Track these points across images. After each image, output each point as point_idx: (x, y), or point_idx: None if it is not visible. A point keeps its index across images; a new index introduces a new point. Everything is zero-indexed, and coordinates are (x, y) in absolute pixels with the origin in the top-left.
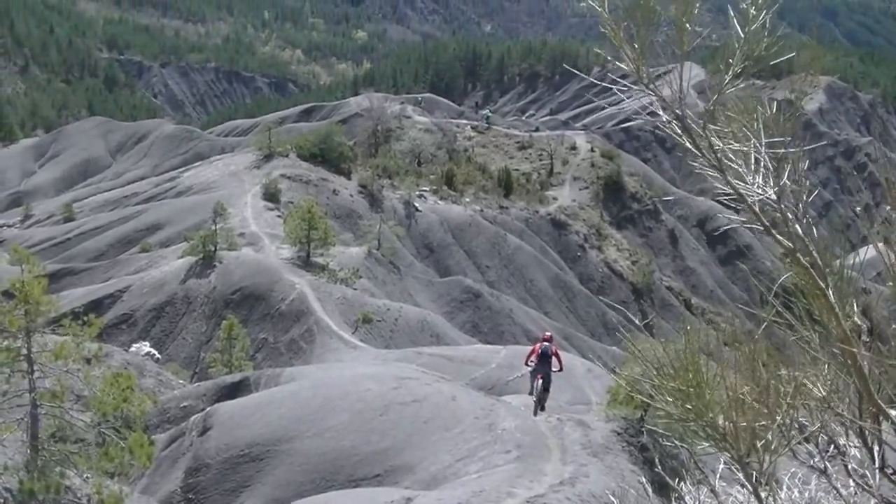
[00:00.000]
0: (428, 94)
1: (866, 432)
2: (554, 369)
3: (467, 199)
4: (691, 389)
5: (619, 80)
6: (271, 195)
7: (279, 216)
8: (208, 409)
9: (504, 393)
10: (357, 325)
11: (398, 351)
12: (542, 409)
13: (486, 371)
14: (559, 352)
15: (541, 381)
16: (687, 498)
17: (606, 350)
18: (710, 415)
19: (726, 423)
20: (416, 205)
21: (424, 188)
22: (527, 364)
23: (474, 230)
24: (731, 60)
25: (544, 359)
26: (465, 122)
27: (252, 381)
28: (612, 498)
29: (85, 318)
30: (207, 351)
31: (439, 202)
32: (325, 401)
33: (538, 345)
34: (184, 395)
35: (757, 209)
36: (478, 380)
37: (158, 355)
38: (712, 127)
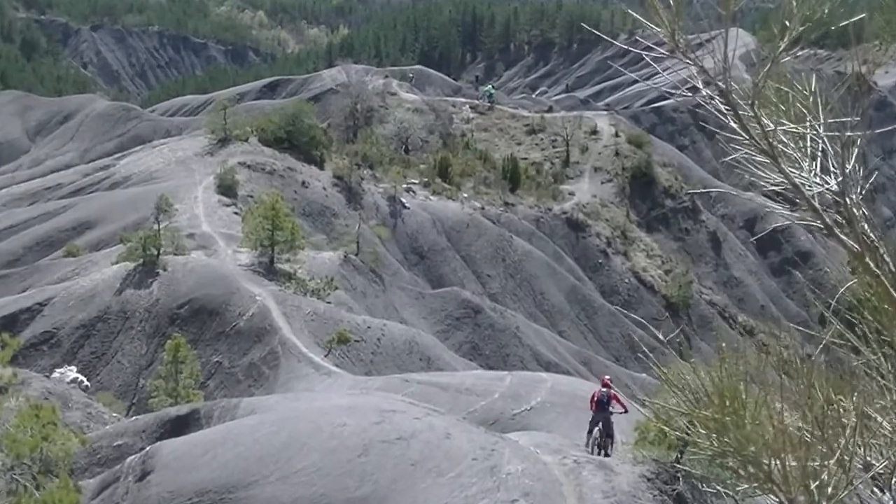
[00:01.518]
0: (418, 67)
1: None
2: (618, 411)
3: (465, 195)
4: (728, 419)
5: (650, 47)
6: (227, 188)
7: (237, 213)
8: (148, 448)
9: (509, 429)
10: (331, 346)
11: (381, 378)
12: (607, 455)
13: (488, 402)
14: (620, 397)
15: (599, 427)
16: None
17: (634, 378)
18: (752, 449)
19: (773, 459)
20: (404, 201)
21: (413, 181)
22: (591, 407)
23: (474, 232)
24: (787, 24)
25: (602, 407)
26: (462, 100)
27: (203, 415)
28: None
29: None
30: (148, 377)
31: (431, 198)
32: (291, 438)
33: (596, 391)
34: (118, 431)
35: (817, 205)
36: (477, 413)
37: (87, 383)
38: (763, 105)
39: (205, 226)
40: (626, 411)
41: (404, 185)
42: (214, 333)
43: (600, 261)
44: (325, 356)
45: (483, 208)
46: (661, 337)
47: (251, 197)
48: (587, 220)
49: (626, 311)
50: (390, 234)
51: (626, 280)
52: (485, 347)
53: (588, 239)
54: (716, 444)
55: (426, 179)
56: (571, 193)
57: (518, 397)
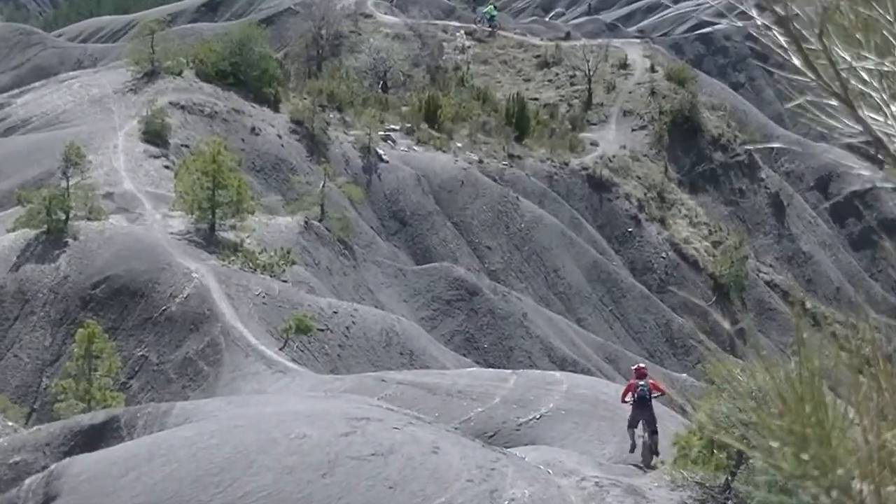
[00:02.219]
0: None
1: None
2: (655, 395)
3: (459, 145)
4: (810, 430)
5: None
6: (155, 135)
7: (167, 167)
8: (54, 466)
9: (514, 442)
10: (287, 336)
11: (351, 377)
12: (657, 453)
13: (487, 409)
14: (660, 385)
15: (644, 425)
16: None
17: (672, 378)
18: (840, 471)
19: (865, 484)
20: (380, 152)
21: (393, 127)
22: (624, 401)
23: (469, 192)
24: None
25: (643, 402)
26: (456, 24)
27: (124, 423)
28: None
29: None
30: (53, 376)
31: (415, 148)
32: (237, 453)
33: (632, 382)
34: (15, 444)
35: None
36: (473, 422)
37: None
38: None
39: (127, 183)
40: (663, 393)
41: (381, 133)
42: (139, 320)
43: (630, 230)
44: (280, 349)
45: (481, 162)
46: (726, 324)
47: (186, 147)
48: (614, 177)
49: (663, 296)
50: (363, 195)
51: (663, 254)
52: (483, 339)
53: (615, 202)
54: (790, 464)
55: (409, 125)
56: (594, 144)
57: (525, 403)
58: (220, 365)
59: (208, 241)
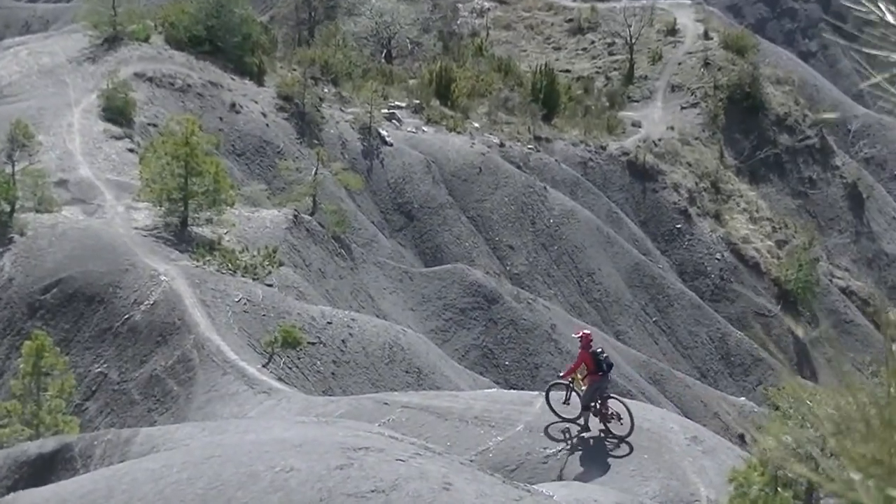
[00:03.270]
0: None
1: None
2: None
3: (476, 125)
4: None
5: None
6: (118, 112)
7: (132, 150)
8: None
9: (540, 478)
10: (273, 351)
11: (347, 399)
12: (631, 430)
13: (508, 438)
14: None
15: (600, 404)
16: None
17: (730, 402)
18: None
19: None
20: (384, 134)
21: (398, 104)
22: (568, 377)
23: (488, 181)
24: None
25: (609, 368)
26: None
27: (78, 452)
28: None
29: None
30: None
31: (425, 129)
32: (212, 489)
33: (584, 353)
34: None
35: None
36: (492, 453)
37: None
38: None
39: (83, 169)
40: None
41: (385, 111)
42: (97, 331)
43: (679, 226)
44: (264, 366)
45: (503, 145)
46: (800, 332)
47: (154, 126)
48: (659, 164)
49: (717, 303)
50: (363, 184)
51: (718, 256)
52: (503, 355)
53: (661, 193)
54: (874, 499)
55: (417, 102)
56: (636, 124)
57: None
58: (192, 384)
59: (180, 237)
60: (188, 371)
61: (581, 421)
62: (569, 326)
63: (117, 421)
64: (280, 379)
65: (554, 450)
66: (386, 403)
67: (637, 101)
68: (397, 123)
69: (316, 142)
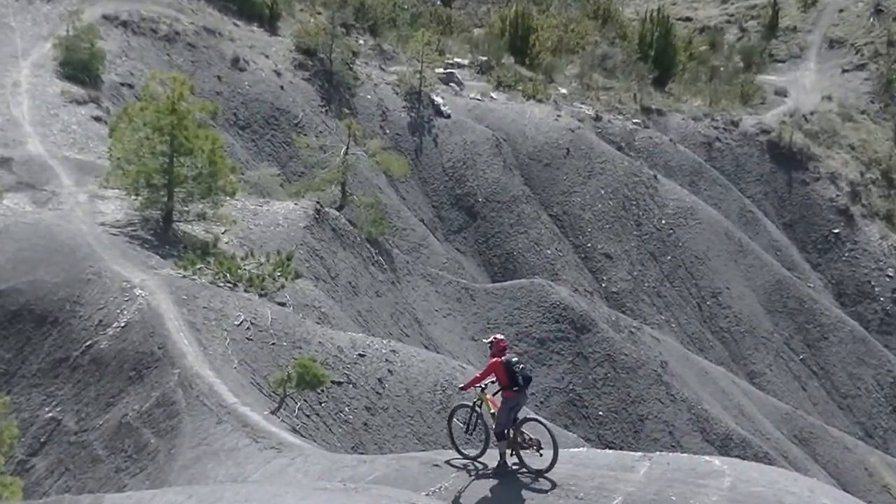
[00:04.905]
0: None
1: None
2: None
3: (563, 91)
4: None
5: None
6: (80, 67)
7: (99, 119)
8: None
9: None
10: (285, 391)
11: (385, 459)
12: (553, 464)
13: None
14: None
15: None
16: None
17: None
18: None
19: None
20: (439, 102)
21: (459, 61)
22: (473, 386)
23: (579, 166)
24: None
25: (527, 383)
26: None
27: None
28: None
29: None
30: None
31: (494, 96)
32: None
33: (496, 360)
34: None
35: None
36: None
37: None
38: None
39: (33, 143)
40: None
41: (441, 70)
42: (48, 362)
43: (837, 231)
44: (274, 412)
45: (599, 119)
46: None
47: (129, 87)
48: (812, 146)
49: (888, 335)
50: (410, 169)
51: (891, 271)
52: (597, 402)
53: (813, 186)
54: None
55: (485, 59)
56: (781, 93)
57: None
58: (176, 436)
59: (162, 238)
60: (170, 418)
61: (483, 458)
62: (686, 365)
63: (74, 484)
64: (294, 430)
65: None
66: (437, 465)
67: (782, 62)
68: (457, 88)
69: (347, 111)
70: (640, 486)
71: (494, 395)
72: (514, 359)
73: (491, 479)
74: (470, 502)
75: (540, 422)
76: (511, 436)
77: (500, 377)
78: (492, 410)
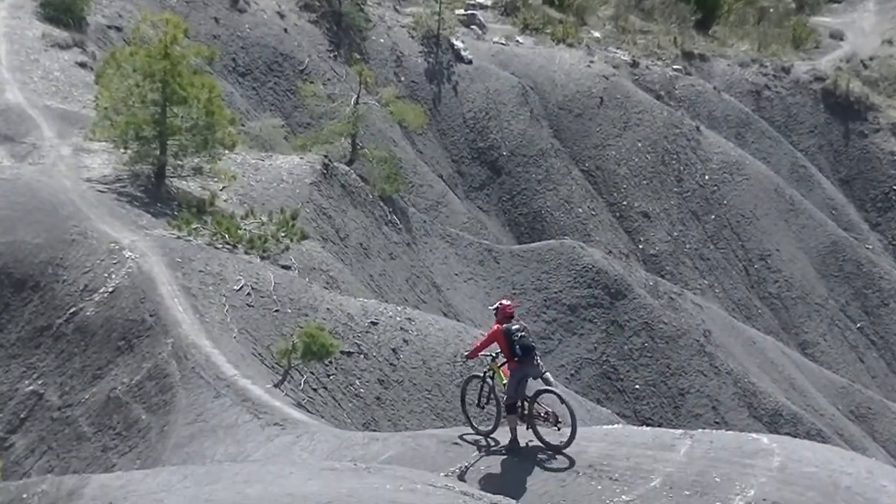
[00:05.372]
0: None
1: None
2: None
3: (596, 34)
4: None
5: None
6: (63, 7)
7: (83, 65)
8: None
9: None
10: (290, 363)
11: (400, 436)
12: (573, 433)
13: (639, 497)
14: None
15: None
16: None
17: None
18: None
19: None
20: (459, 46)
21: (479, 1)
22: (474, 356)
23: (614, 117)
24: None
25: (528, 355)
26: None
27: None
28: None
29: None
30: None
31: (520, 39)
32: None
33: (498, 328)
34: None
35: None
36: None
37: None
38: None
39: (11, 91)
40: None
41: (461, 12)
42: (28, 331)
43: None
44: (277, 386)
45: (636, 65)
46: None
47: (117, 30)
48: (870, 95)
49: None
50: (427, 120)
51: None
52: (632, 375)
53: (872, 139)
54: None
55: None
56: (837, 36)
57: (706, 488)
58: (169, 411)
59: (154, 195)
60: (163, 392)
61: (496, 433)
62: (731, 334)
63: (57, 464)
64: (299, 405)
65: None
66: (456, 443)
67: (838, 2)
68: (479, 31)
69: (357, 56)
70: (681, 466)
71: (501, 366)
72: (515, 326)
73: (506, 458)
74: (484, 483)
75: (556, 394)
76: (524, 409)
77: (501, 347)
78: (504, 381)
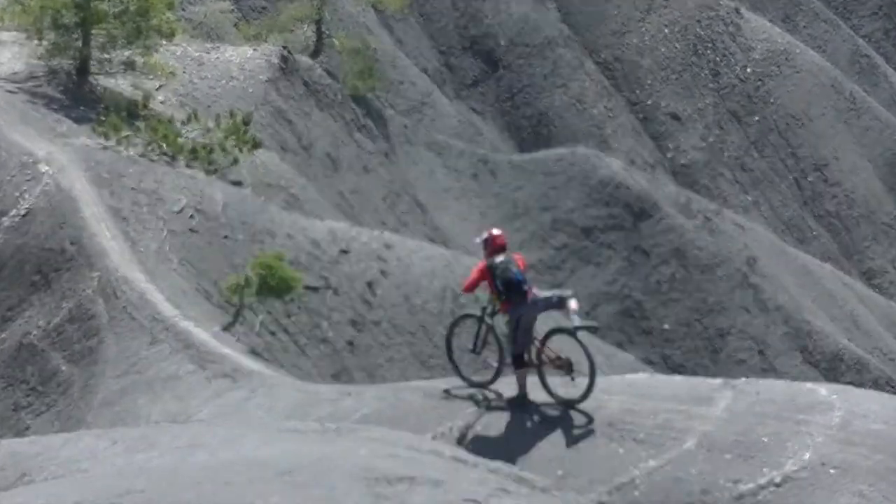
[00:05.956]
0: None
1: None
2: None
3: None
4: None
5: None
6: None
7: None
8: None
9: None
10: (242, 300)
11: (376, 390)
12: (588, 393)
13: (670, 461)
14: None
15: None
16: None
17: None
18: None
19: None
20: None
21: None
22: (471, 290)
23: None
24: None
25: (521, 294)
26: None
27: None
28: None
29: None
30: None
31: None
32: None
33: (485, 262)
34: None
35: None
36: (640, 490)
37: None
38: None
39: None
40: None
41: None
42: None
43: None
44: (227, 329)
45: None
46: None
47: None
48: None
49: None
50: (408, 1)
51: None
52: (660, 312)
53: None
54: None
55: None
56: None
57: (752, 449)
58: (95, 361)
59: (74, 96)
60: (88, 337)
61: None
62: (780, 261)
63: None
64: (254, 352)
65: (753, 484)
66: (446, 398)
67: None
68: None
69: None
70: (720, 423)
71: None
72: (499, 259)
73: (507, 415)
74: (480, 446)
75: (573, 335)
76: (532, 358)
77: (490, 286)
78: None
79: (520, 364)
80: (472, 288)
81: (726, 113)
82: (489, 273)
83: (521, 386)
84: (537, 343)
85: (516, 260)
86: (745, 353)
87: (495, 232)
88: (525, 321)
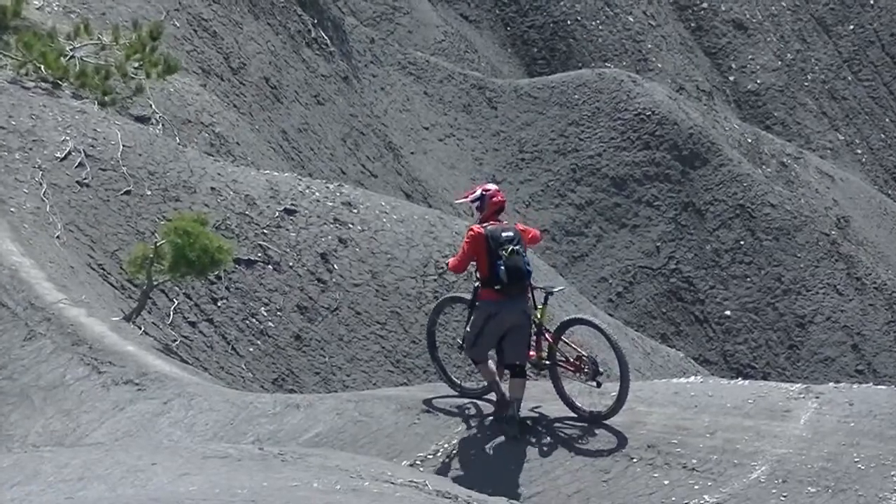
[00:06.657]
0: None
1: None
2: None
3: None
4: None
5: None
6: None
7: None
8: None
9: None
10: (150, 279)
11: (332, 400)
12: (621, 400)
13: (732, 495)
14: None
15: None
16: None
17: None
18: None
19: None
20: None
21: None
22: (460, 269)
23: None
24: None
25: (520, 280)
26: None
27: None
28: None
29: None
30: None
31: None
32: None
33: (478, 229)
34: None
35: None
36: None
37: None
38: None
39: None
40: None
41: None
42: None
43: None
44: (131, 318)
45: None
46: None
47: None
48: None
49: None
50: None
51: None
52: (720, 293)
53: None
54: None
55: None
56: None
57: (846, 478)
58: None
59: None
60: None
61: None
62: (882, 223)
63: None
64: (168, 349)
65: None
66: (428, 411)
67: None
68: None
69: None
70: (801, 444)
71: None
72: (506, 233)
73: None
74: (472, 476)
75: (596, 326)
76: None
77: (480, 262)
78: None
79: (479, 359)
80: (462, 266)
81: (810, 20)
82: (485, 244)
83: (494, 386)
84: (548, 337)
85: (520, 233)
86: (832, 348)
87: (490, 187)
88: (495, 324)
